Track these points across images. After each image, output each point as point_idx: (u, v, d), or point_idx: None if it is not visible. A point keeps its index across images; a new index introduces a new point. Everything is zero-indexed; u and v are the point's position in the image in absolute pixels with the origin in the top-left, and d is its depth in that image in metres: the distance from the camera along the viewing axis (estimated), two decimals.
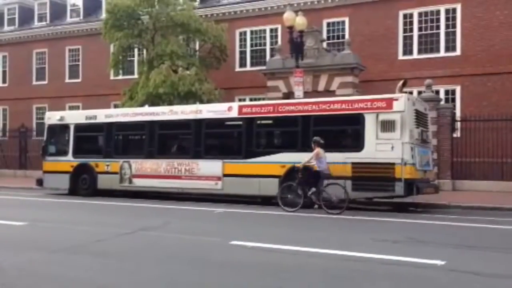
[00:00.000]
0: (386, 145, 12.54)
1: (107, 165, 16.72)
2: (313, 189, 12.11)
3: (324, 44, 22.61)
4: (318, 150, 12.26)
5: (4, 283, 5.47)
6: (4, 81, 33.62)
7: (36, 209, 13.61)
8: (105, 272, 6.03)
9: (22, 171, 27.99)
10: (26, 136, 28.82)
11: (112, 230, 9.05)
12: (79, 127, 17.65)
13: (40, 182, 18.17)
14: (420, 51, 22.23)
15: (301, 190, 12.35)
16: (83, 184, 17.11)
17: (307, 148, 13.54)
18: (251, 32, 25.78)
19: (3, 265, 6.27)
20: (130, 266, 6.29)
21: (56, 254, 7.01)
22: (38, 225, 9.95)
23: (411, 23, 22.39)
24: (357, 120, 13.08)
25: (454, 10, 21.61)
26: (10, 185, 21.14)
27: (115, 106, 25.44)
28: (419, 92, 20.13)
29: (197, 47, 25.56)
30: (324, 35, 23.42)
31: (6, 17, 33.81)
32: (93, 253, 7.10)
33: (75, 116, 18.65)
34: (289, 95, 20.93)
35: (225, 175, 14.63)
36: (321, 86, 21.31)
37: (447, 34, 21.74)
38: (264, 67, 23.33)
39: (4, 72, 33.64)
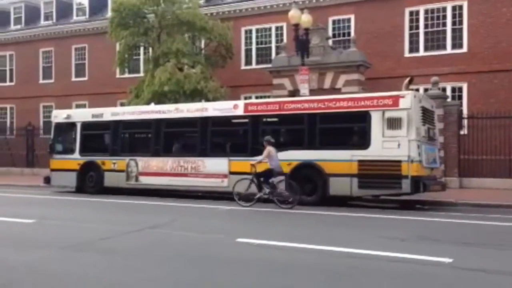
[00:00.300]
0: (393, 142, 12.51)
1: (114, 163, 16.77)
2: (266, 185, 12.77)
3: (330, 42, 22.59)
4: (269, 148, 12.82)
5: (12, 280, 5.50)
6: (11, 80, 33.78)
7: (43, 206, 13.68)
8: (112, 269, 6.05)
9: (30, 169, 28.15)
10: (33, 134, 28.97)
11: (119, 227, 9.07)
12: (85, 125, 17.72)
13: (47, 180, 18.27)
14: (426, 48, 22.13)
15: (256, 186, 12.90)
16: (90, 182, 17.17)
17: (313, 146, 13.60)
18: (257, 30, 25.76)
19: (11, 262, 6.31)
20: (136, 263, 6.30)
21: (63, 251, 7.04)
22: (46, 223, 10.00)
23: (417, 20, 22.28)
24: (363, 118, 13.05)
25: (460, 7, 21.50)
26: (18, 183, 21.26)
27: (121, 104, 25.52)
28: (426, 90, 20.04)
29: (202, 45, 25.58)
30: (330, 33, 23.37)
31: (12, 16, 33.94)
32: (100, 250, 7.13)
33: (81, 114, 18.71)
34: (294, 93, 20.90)
35: (231, 173, 14.63)
36: (326, 84, 21.27)
37: (453, 31, 21.63)
38: (269, 65, 23.30)
39: (11, 71, 33.79)
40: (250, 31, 25.89)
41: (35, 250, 7.12)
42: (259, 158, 13.06)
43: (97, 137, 18.30)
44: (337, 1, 23.70)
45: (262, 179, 12.82)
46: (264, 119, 14.82)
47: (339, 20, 23.83)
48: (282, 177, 12.88)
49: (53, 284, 5.40)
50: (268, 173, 12.81)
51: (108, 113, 17.56)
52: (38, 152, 27.40)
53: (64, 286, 5.31)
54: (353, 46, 21.30)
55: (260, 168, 12.93)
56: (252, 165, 13.00)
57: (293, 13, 17.34)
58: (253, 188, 12.95)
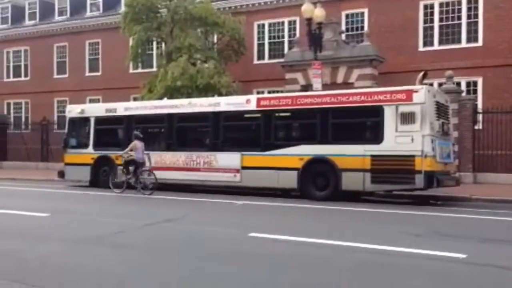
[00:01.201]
0: (406, 137, 12.41)
1: None
2: (131, 174, 14.86)
3: (343, 36, 22.44)
4: (135, 142, 14.82)
5: (26, 273, 5.56)
6: (26, 75, 34.09)
7: (57, 200, 13.82)
8: (125, 263, 6.08)
9: (44, 164, 28.43)
10: (47, 129, 29.26)
11: (132, 221, 9.13)
12: (99, 120, 17.83)
13: (61, 174, 18.43)
14: (441, 42, 21.90)
15: (125, 175, 15.03)
16: (103, 176, 17.28)
17: (325, 141, 13.55)
18: (269, 24, 25.69)
19: (24, 255, 6.39)
20: (148, 257, 6.33)
21: (77, 245, 7.10)
22: (60, 217, 10.09)
23: (432, 13, 22.05)
24: (376, 112, 12.96)
25: (476, 0, 21.22)
26: (33, 177, 21.49)
27: (135, 99, 25.63)
28: (440, 84, 19.85)
29: (215, 40, 25.58)
30: (343, 27, 23.23)
31: (27, 12, 34.25)
32: (114, 244, 7.17)
33: (95, 109, 18.84)
34: (307, 87, 20.82)
35: (243, 168, 14.65)
36: (339, 78, 21.17)
37: (468, 24, 21.36)
38: (282, 60, 23.24)
39: (25, 66, 34.10)
40: (263, 25, 25.82)
41: (49, 243, 7.19)
42: (127, 149, 14.90)
43: (111, 132, 18.42)
44: None
45: (128, 168, 14.87)
46: (277, 114, 14.80)
47: (352, 14, 23.67)
48: (146, 167, 14.87)
49: (64, 276, 5.44)
50: (132, 163, 14.79)
51: (122, 108, 17.66)
52: (53, 147, 27.63)
53: (76, 279, 5.34)
54: (367, 40, 21.15)
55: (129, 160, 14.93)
56: (121, 156, 15.12)
57: (306, 7, 17.25)
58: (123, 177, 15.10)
